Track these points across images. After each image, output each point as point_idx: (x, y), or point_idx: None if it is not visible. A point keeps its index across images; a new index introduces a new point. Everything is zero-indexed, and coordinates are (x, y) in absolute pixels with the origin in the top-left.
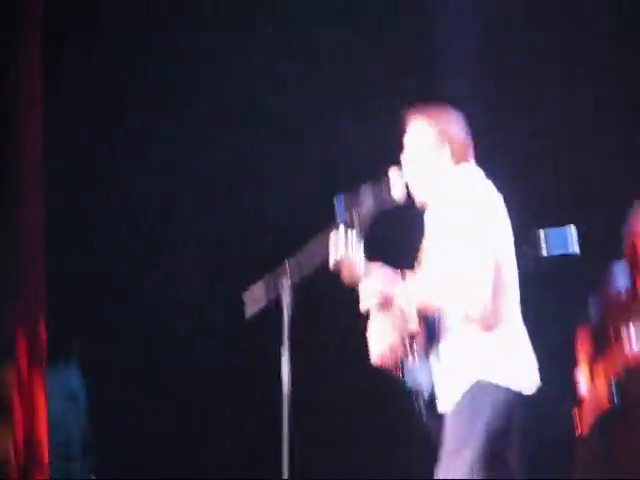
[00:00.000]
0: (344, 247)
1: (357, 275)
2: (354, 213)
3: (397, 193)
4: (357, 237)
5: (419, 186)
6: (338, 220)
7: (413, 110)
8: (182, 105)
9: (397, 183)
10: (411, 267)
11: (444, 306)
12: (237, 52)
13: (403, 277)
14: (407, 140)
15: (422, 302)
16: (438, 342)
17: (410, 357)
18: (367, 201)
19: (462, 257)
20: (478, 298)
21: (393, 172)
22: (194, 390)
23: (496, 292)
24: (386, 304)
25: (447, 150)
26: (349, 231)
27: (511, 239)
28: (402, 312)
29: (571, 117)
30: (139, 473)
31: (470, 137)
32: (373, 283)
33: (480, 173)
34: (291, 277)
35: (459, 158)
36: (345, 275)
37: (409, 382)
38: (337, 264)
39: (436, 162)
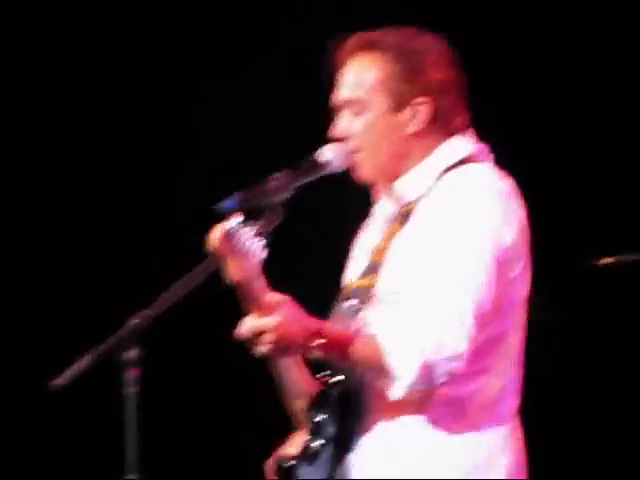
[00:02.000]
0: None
1: (246, 274)
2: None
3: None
4: (257, 235)
5: (373, 167)
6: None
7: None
8: None
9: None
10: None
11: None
12: None
13: (322, 328)
14: (340, 94)
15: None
16: (356, 425)
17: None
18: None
19: (443, 282)
20: (460, 345)
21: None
22: None
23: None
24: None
25: (425, 109)
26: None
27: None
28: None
29: None
30: None
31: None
32: (282, 322)
33: (490, 156)
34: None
35: (449, 124)
36: (230, 271)
37: None
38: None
39: (401, 130)
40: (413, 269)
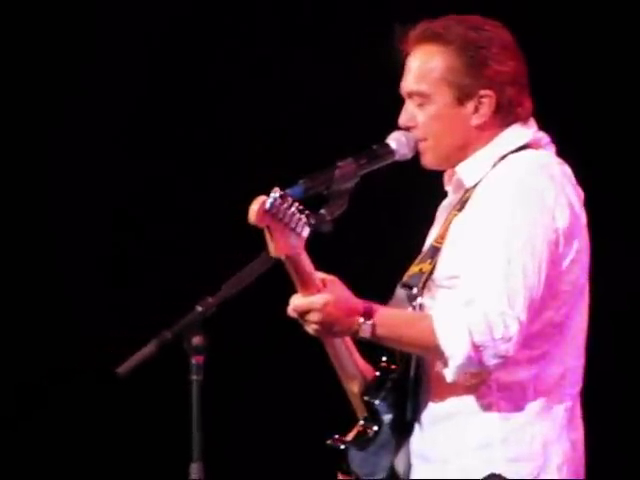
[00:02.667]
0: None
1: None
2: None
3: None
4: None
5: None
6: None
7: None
8: None
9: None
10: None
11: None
12: None
13: (371, 309)
14: (406, 84)
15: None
16: (416, 409)
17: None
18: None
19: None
20: (510, 328)
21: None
22: None
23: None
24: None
25: (488, 101)
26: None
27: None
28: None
29: None
30: None
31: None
32: (328, 302)
33: (550, 145)
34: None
35: (511, 114)
36: (274, 247)
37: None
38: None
39: (464, 122)
40: (468, 254)
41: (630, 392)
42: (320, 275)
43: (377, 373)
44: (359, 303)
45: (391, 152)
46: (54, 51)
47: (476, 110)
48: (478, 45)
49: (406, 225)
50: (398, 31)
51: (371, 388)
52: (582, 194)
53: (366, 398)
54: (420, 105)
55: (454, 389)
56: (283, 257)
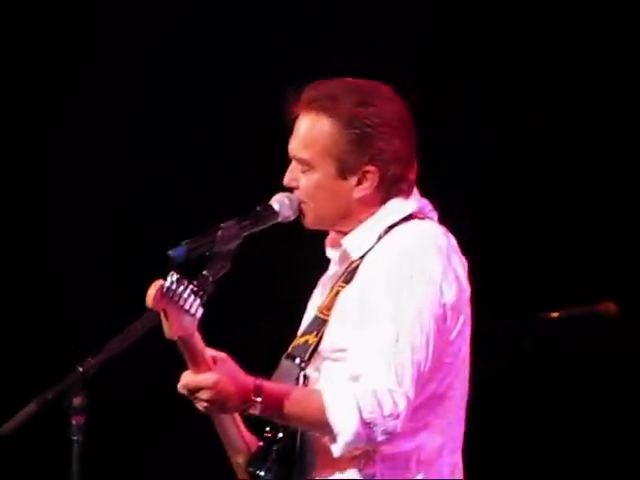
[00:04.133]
0: (175, 283)
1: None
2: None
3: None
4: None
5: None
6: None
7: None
8: None
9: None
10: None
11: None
12: None
13: (261, 386)
14: (291, 148)
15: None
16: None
17: None
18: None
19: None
20: (399, 404)
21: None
22: None
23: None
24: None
25: (371, 177)
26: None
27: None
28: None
29: None
30: None
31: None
32: (218, 381)
33: (433, 212)
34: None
35: (394, 188)
36: (168, 328)
37: None
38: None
39: (346, 194)
40: (355, 328)
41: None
42: (210, 352)
43: (261, 443)
44: (249, 380)
45: (274, 214)
46: (54, 51)
47: (359, 183)
48: (364, 122)
49: (283, 290)
50: (290, 92)
51: (256, 459)
52: (466, 263)
53: (250, 469)
54: (304, 171)
55: (339, 460)
56: (175, 338)
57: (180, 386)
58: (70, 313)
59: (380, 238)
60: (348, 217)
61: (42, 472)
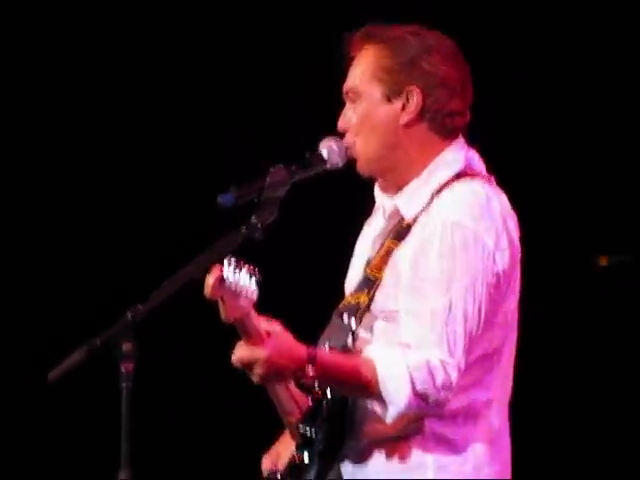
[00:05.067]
0: (232, 271)
1: (242, 314)
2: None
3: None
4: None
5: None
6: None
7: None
8: None
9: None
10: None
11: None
12: None
13: (314, 357)
14: (347, 81)
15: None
16: (352, 436)
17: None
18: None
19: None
20: (451, 375)
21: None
22: None
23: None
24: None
25: (414, 98)
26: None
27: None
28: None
29: None
30: None
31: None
32: (271, 355)
33: (481, 164)
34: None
35: (437, 120)
36: (225, 312)
37: None
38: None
39: (392, 120)
40: (407, 291)
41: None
42: (264, 325)
43: (311, 403)
44: (302, 351)
45: (322, 161)
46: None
47: (403, 108)
48: (411, 45)
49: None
50: (345, 37)
51: (306, 419)
52: (515, 216)
53: (301, 429)
54: (353, 103)
55: None
56: (232, 321)
57: (234, 359)
58: (119, 261)
59: (432, 197)
60: (395, 151)
61: (92, 419)
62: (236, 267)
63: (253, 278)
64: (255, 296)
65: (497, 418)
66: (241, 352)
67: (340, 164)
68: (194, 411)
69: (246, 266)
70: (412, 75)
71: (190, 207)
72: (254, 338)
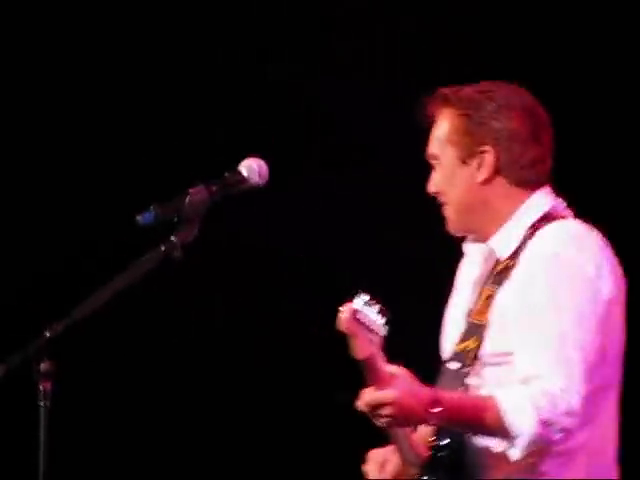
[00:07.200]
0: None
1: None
2: None
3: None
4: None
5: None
6: None
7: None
8: None
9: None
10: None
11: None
12: None
13: (441, 397)
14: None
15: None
16: None
17: None
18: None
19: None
20: (572, 401)
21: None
22: None
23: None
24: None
25: (488, 157)
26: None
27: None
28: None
29: None
30: None
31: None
32: (402, 396)
33: (568, 210)
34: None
35: (515, 171)
36: (357, 348)
37: None
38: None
39: (470, 180)
40: (517, 331)
41: None
42: (389, 368)
43: (431, 452)
44: (427, 392)
45: (242, 179)
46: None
47: (479, 166)
48: (479, 104)
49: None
50: (425, 99)
51: (426, 468)
52: (614, 257)
53: (424, 479)
54: (435, 167)
55: (508, 462)
56: (363, 358)
57: (362, 403)
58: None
59: (525, 239)
60: (481, 208)
61: (9, 438)
62: (367, 302)
63: (383, 318)
64: (384, 333)
65: (612, 454)
66: (368, 395)
67: (260, 183)
68: (115, 430)
69: (377, 305)
70: (483, 134)
71: (110, 225)
72: (380, 380)
